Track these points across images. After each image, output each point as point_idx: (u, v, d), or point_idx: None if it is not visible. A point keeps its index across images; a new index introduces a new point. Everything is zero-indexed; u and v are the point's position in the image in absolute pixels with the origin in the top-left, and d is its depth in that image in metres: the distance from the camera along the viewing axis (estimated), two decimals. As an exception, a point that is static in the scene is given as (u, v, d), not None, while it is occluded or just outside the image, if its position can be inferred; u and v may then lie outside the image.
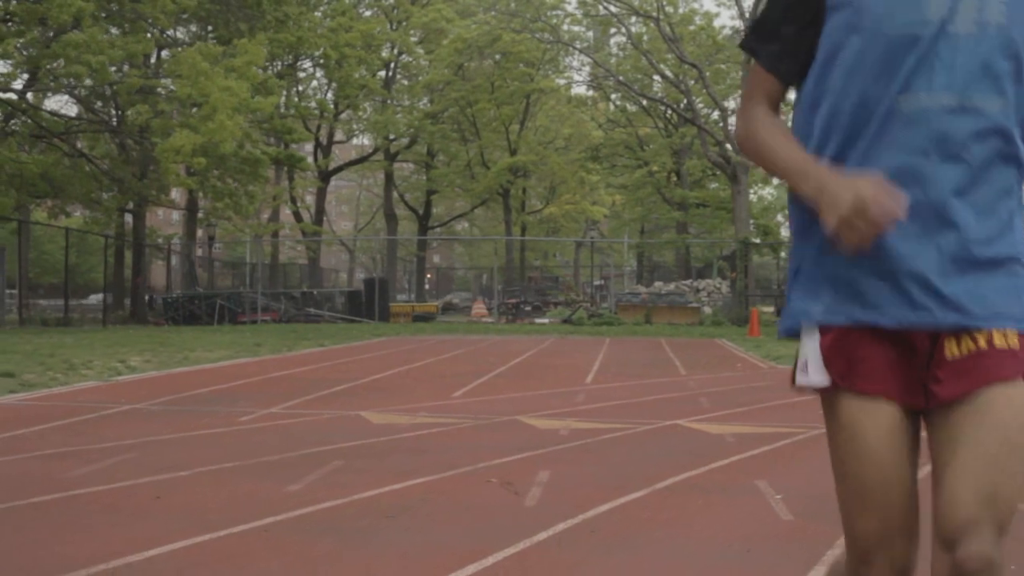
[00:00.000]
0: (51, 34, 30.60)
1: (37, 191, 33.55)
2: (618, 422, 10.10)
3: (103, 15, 30.26)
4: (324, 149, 57.13)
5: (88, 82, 29.15)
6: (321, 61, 49.51)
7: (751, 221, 42.96)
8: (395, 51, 56.33)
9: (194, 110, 29.69)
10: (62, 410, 10.63)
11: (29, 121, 32.44)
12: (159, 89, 33.59)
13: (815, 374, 2.43)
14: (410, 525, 5.60)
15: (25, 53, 29.38)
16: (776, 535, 5.49)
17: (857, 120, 2.37)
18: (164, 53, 41.56)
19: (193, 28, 44.83)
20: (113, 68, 29.56)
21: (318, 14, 48.75)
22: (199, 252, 51.65)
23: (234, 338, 25.70)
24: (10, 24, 29.65)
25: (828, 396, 2.44)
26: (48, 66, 31.40)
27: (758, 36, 2.58)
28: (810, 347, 2.44)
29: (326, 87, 56.16)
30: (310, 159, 52.99)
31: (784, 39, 2.52)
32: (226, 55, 31.46)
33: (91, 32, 27.12)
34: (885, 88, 2.33)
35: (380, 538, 5.33)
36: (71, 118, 36.53)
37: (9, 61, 33.12)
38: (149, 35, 34.93)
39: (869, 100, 2.35)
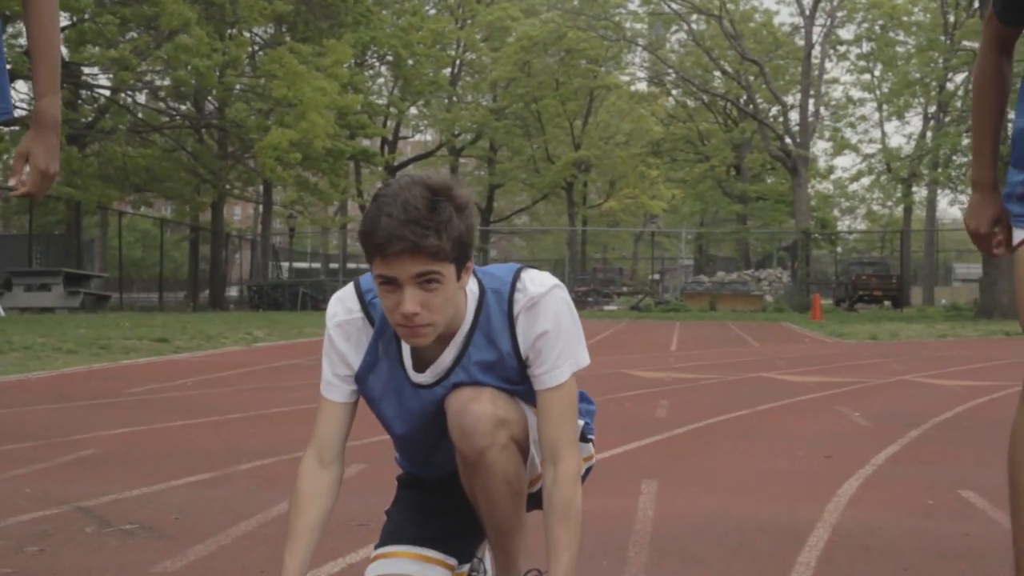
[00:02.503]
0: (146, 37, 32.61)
1: (134, 184, 35.63)
2: (711, 374, 11.81)
3: (206, 18, 32.18)
4: (390, 144, 58.78)
5: (192, 83, 31.10)
6: (389, 58, 50.98)
7: (811, 214, 44.34)
8: (460, 49, 57.89)
9: (287, 108, 31.55)
10: (238, 362, 12.50)
11: (130, 116, 34.46)
12: (238, 86, 35.48)
13: None
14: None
15: (139, 57, 31.35)
16: (857, 433, 7.19)
17: None
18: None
19: (270, 30, 46.52)
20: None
21: (385, 12, 50.21)
22: (275, 242, 53.64)
23: (330, 319, 27.56)
24: (124, 29, 31.79)
25: None
26: (139, 68, 33.31)
27: None
28: None
29: (392, 84, 57.72)
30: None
31: None
32: (315, 54, 33.33)
33: (198, 36, 29.08)
34: None
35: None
36: (162, 112, 38.39)
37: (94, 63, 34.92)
38: (230, 34, 36.79)
39: None
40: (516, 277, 2.75)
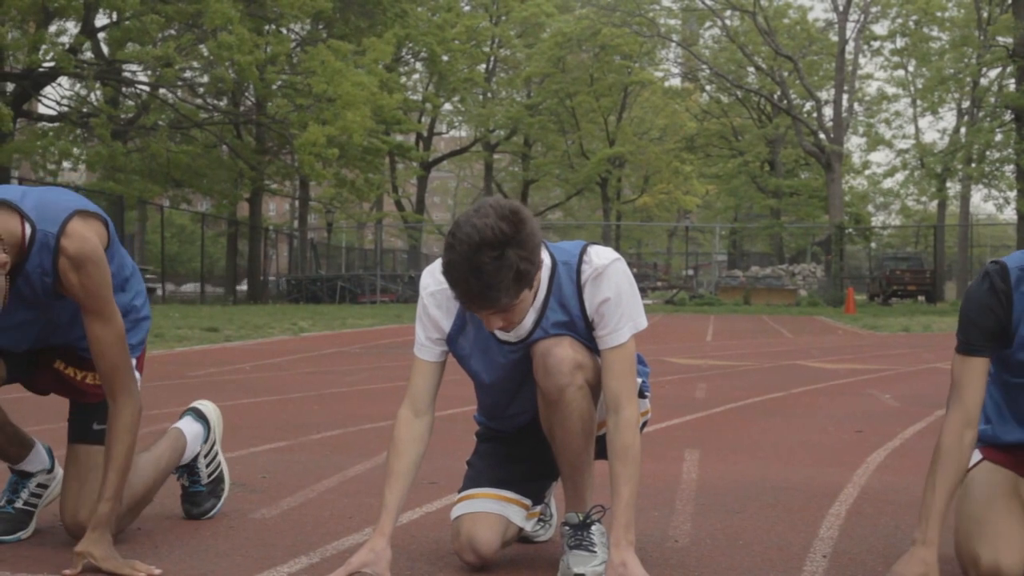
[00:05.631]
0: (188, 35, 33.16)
1: (173, 180, 36.25)
2: (747, 361, 12.20)
3: (248, 14, 32.64)
4: (425, 140, 59.11)
5: (232, 78, 31.59)
6: (424, 55, 51.35)
7: (844, 210, 44.49)
8: (495, 45, 58.20)
9: (327, 103, 32.00)
10: (289, 349, 12.98)
11: (171, 112, 35.03)
12: (278, 83, 35.96)
13: None
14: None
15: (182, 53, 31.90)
16: (887, 412, 7.59)
17: None
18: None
19: (307, 27, 46.88)
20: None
21: (421, 9, 50.46)
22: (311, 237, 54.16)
23: (370, 311, 28.11)
24: (170, 28, 32.44)
25: None
26: (179, 65, 33.75)
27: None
28: None
29: (427, 81, 58.04)
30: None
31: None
32: (355, 52, 33.78)
33: (240, 33, 29.56)
34: None
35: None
36: (201, 108, 38.80)
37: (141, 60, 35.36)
38: (268, 31, 37.25)
39: None
40: (583, 251, 3.23)
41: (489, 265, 2.89)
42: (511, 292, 2.94)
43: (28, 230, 3.20)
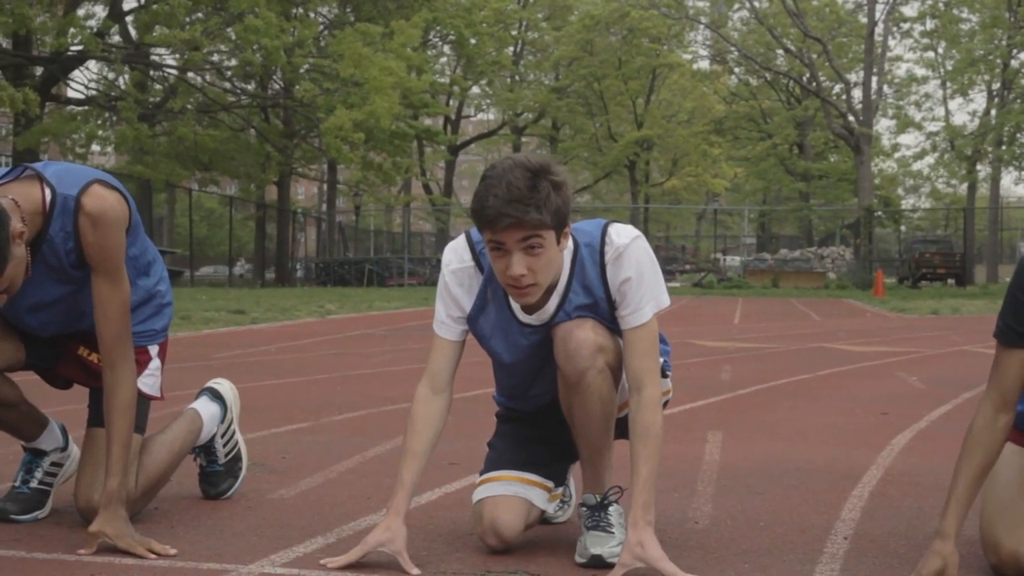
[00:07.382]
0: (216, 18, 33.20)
1: (200, 163, 36.37)
2: (773, 344, 12.14)
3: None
4: (453, 124, 59.03)
5: (260, 62, 31.62)
6: (451, 38, 51.22)
7: (874, 192, 44.24)
8: (523, 28, 58.03)
9: (354, 87, 32.02)
10: (314, 332, 13.01)
11: (199, 96, 35.12)
12: (305, 67, 35.96)
13: None
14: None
15: (208, 37, 31.96)
16: (914, 394, 7.53)
17: None
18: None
19: (335, 10, 46.82)
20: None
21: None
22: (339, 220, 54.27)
23: (397, 294, 28.17)
24: (198, 12, 32.52)
25: None
26: (207, 48, 33.79)
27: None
28: None
29: (455, 64, 57.92)
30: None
31: None
32: (384, 36, 33.75)
33: (266, 17, 29.56)
34: None
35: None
36: (228, 91, 38.85)
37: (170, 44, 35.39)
38: (295, 14, 37.22)
39: None
40: (604, 232, 3.19)
41: (524, 181, 2.93)
42: (543, 212, 2.94)
43: (48, 195, 3.24)
